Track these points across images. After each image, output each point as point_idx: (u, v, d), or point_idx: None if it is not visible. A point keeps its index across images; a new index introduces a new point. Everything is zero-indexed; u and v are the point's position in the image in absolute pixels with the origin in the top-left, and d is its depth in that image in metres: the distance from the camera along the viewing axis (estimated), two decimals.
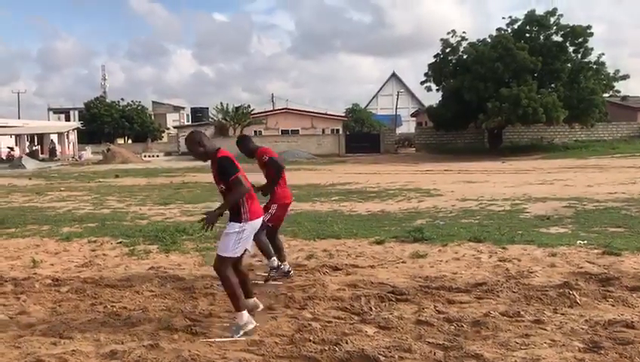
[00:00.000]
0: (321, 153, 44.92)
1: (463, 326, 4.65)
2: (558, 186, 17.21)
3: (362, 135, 51.87)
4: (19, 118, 64.24)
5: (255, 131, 52.28)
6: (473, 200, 13.77)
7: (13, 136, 50.17)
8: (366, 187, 18.50)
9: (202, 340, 4.49)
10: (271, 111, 59.24)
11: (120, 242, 8.86)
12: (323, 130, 53.33)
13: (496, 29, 39.25)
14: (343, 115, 59.67)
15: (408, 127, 71.18)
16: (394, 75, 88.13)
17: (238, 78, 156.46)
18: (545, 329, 4.52)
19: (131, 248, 8.29)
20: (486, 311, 5.00)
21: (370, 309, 5.16)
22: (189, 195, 16.98)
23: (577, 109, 36.05)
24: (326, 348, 4.18)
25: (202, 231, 4.55)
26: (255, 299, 5.12)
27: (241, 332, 4.53)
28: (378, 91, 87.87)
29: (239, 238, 4.62)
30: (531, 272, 6.36)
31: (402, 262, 7.09)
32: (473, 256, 7.33)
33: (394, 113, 64.65)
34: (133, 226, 10.51)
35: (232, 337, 4.48)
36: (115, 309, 5.34)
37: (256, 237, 6.31)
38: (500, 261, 6.98)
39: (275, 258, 6.44)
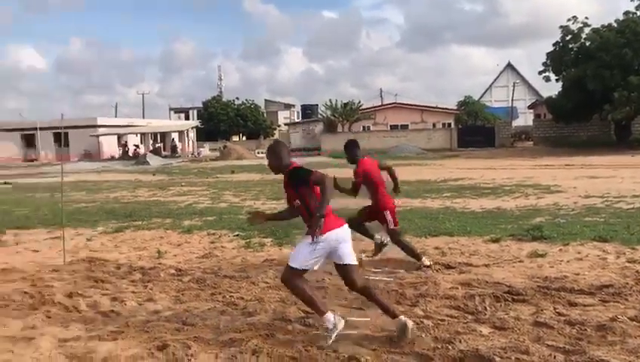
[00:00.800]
0: (432, 148, 44.12)
1: (586, 329, 4.38)
2: None
3: (476, 128, 50.22)
4: (143, 117, 68.96)
5: (363, 127, 52.43)
6: (598, 197, 12.90)
7: (138, 135, 53.95)
8: (480, 183, 17.92)
9: (315, 332, 4.57)
10: (379, 106, 59.07)
11: (237, 235, 9.24)
12: (434, 125, 52.35)
13: (624, 13, 36.45)
14: (455, 108, 58.16)
15: (525, 119, 68.01)
16: (509, 65, 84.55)
17: (347, 74, 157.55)
18: None
19: (247, 241, 8.64)
20: (612, 315, 4.67)
21: (485, 309, 5.00)
22: None
23: None
24: (439, 346, 4.10)
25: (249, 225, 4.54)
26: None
27: (334, 335, 4.28)
28: (492, 83, 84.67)
29: (312, 250, 4.28)
30: None
31: (519, 262, 6.79)
32: (598, 256, 6.87)
33: (509, 105, 62.04)
34: None
35: (328, 343, 4.25)
36: (232, 299, 5.58)
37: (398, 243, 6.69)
38: (629, 262, 6.49)
39: (424, 258, 6.71)
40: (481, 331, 4.43)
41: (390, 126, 53.08)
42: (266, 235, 9.03)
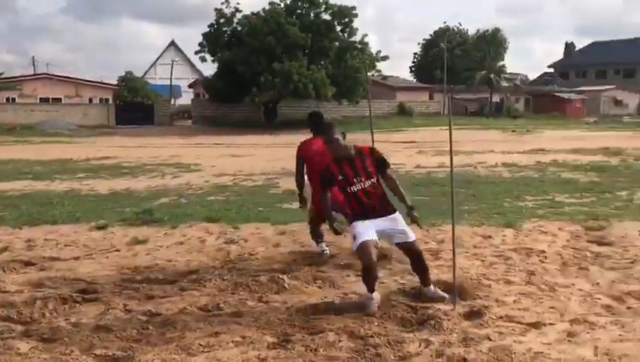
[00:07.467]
0: (88, 124, 41.27)
1: (149, 327, 4.00)
2: None
3: (135, 105, 48.71)
4: None
5: (7, 98, 46.03)
6: (230, 176, 13.34)
7: None
8: (123, 161, 17.09)
9: None
10: (28, 76, 52.64)
11: None
12: (90, 100, 48.98)
13: (269, 3, 39.49)
14: (115, 83, 55.51)
15: (188, 98, 69.10)
16: (173, 43, 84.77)
17: (2, 38, 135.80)
18: (240, 324, 4.05)
19: None
20: (183, 306, 4.40)
21: (43, 315, 4.24)
22: None
23: (344, 86, 38.02)
24: None
25: None
26: None
27: None
28: (156, 60, 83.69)
29: None
30: (253, 254, 5.98)
31: (116, 251, 6.23)
32: (200, 238, 6.76)
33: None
34: None
35: None
36: None
37: None
38: (226, 243, 6.51)
39: None
40: (19, 348, 3.65)
41: (40, 99, 47.72)
42: None
